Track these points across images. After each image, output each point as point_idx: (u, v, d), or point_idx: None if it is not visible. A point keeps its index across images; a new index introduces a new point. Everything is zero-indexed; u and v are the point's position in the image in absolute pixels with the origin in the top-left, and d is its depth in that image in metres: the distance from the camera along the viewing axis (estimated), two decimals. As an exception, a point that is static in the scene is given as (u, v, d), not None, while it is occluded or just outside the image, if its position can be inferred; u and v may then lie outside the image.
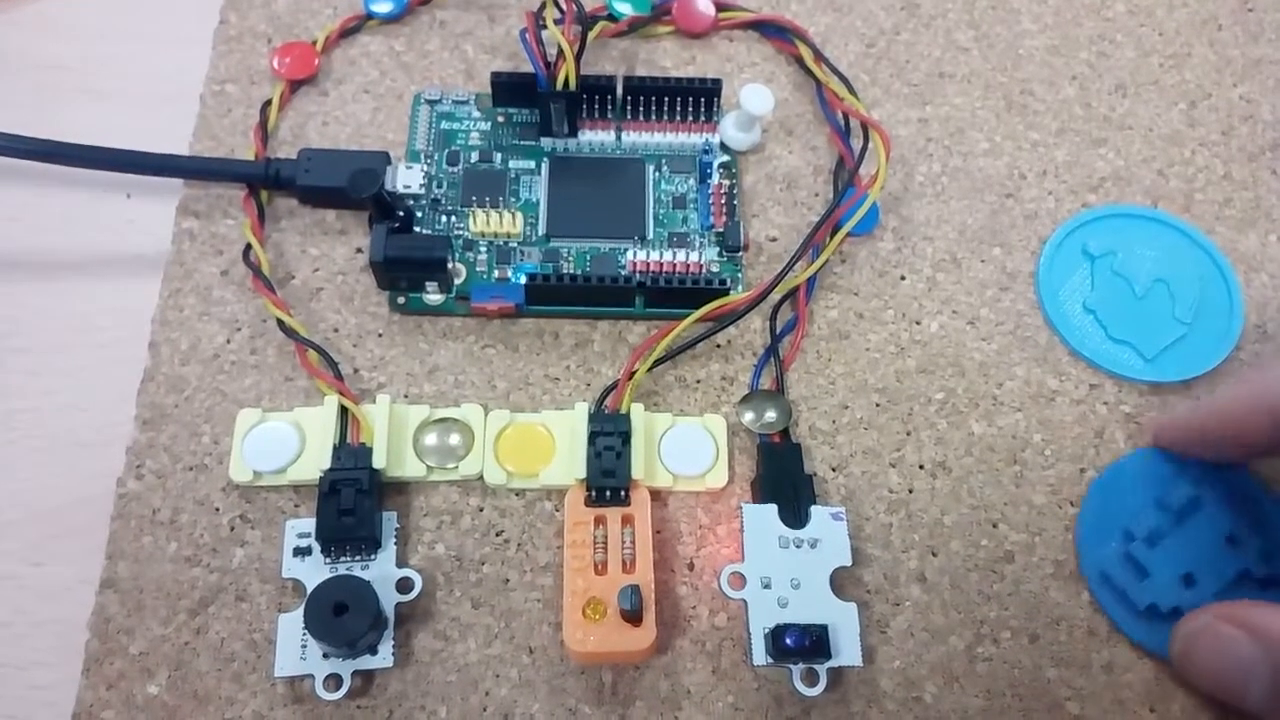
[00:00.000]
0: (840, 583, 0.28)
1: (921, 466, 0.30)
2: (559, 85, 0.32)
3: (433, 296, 0.31)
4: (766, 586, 0.27)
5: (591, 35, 0.32)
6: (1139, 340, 0.32)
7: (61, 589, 0.28)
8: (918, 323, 0.32)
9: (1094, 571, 0.28)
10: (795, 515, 0.28)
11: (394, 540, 0.28)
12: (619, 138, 0.34)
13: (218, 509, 0.29)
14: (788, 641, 0.26)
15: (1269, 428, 0.26)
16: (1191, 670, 0.26)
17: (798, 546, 0.28)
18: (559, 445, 0.29)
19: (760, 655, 0.26)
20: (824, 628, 0.26)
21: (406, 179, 0.33)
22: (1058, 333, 0.32)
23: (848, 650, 0.26)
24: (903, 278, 0.33)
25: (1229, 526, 0.28)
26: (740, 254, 0.32)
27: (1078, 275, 0.33)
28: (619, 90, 0.34)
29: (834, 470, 0.30)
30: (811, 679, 0.26)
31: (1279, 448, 0.26)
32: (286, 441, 0.29)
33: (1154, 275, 0.33)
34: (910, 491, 0.30)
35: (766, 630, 0.26)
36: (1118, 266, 0.33)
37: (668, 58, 0.37)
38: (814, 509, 0.28)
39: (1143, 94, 0.37)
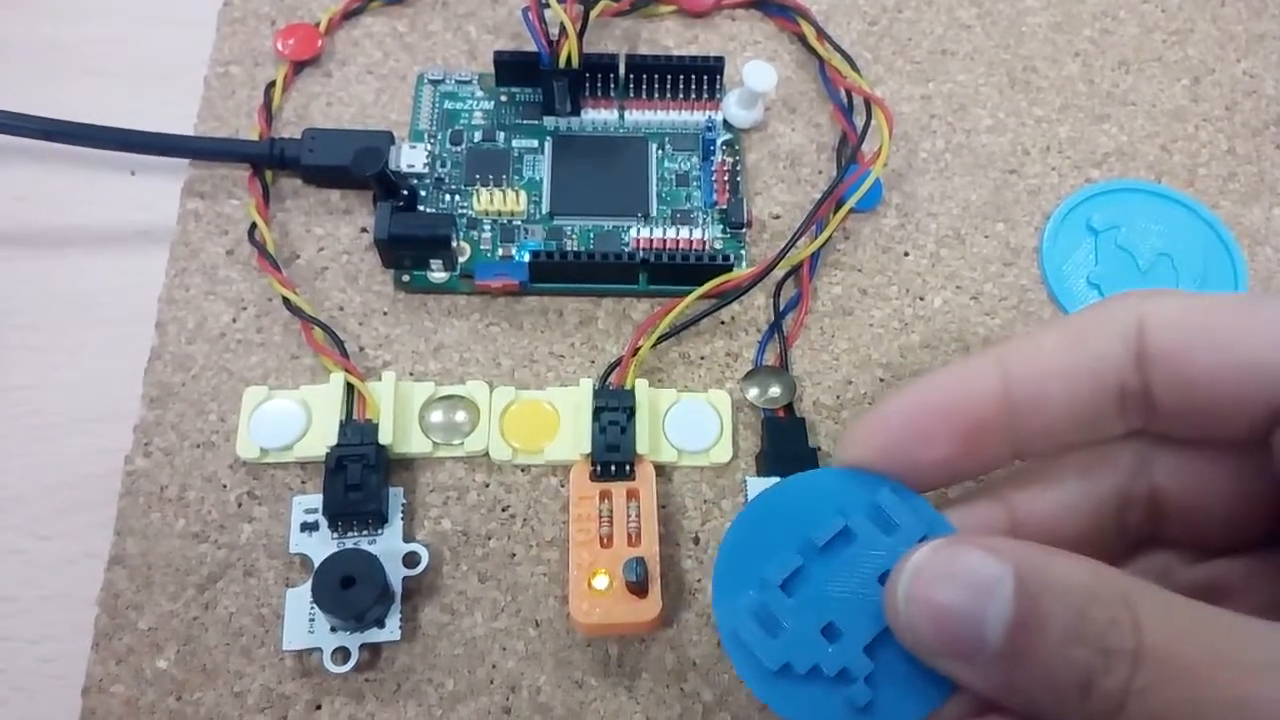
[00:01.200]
0: (845, 555, 0.28)
1: (926, 440, 0.30)
2: (562, 63, 0.32)
3: (437, 274, 0.31)
4: (771, 559, 0.27)
5: (594, 14, 0.32)
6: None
7: (67, 563, 0.28)
8: (921, 298, 0.32)
9: (726, 629, 0.21)
10: (800, 488, 0.28)
11: (400, 516, 0.28)
12: (622, 116, 0.34)
13: (225, 486, 0.29)
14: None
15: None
16: (915, 616, 0.18)
17: (802, 519, 0.28)
18: (564, 421, 0.29)
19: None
20: (828, 599, 0.26)
21: (410, 158, 0.33)
22: (1062, 307, 0.32)
23: (852, 621, 0.26)
24: (906, 254, 0.33)
25: (883, 563, 0.21)
26: (744, 231, 0.33)
27: (1081, 250, 0.33)
28: (622, 68, 0.34)
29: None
30: (817, 650, 0.26)
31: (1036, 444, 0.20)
32: (293, 419, 0.29)
33: (1158, 249, 0.33)
34: (914, 465, 0.30)
35: (771, 601, 0.26)
36: (1121, 241, 0.33)
37: (670, 37, 0.37)
38: (818, 482, 0.28)
39: (1146, 70, 0.37)
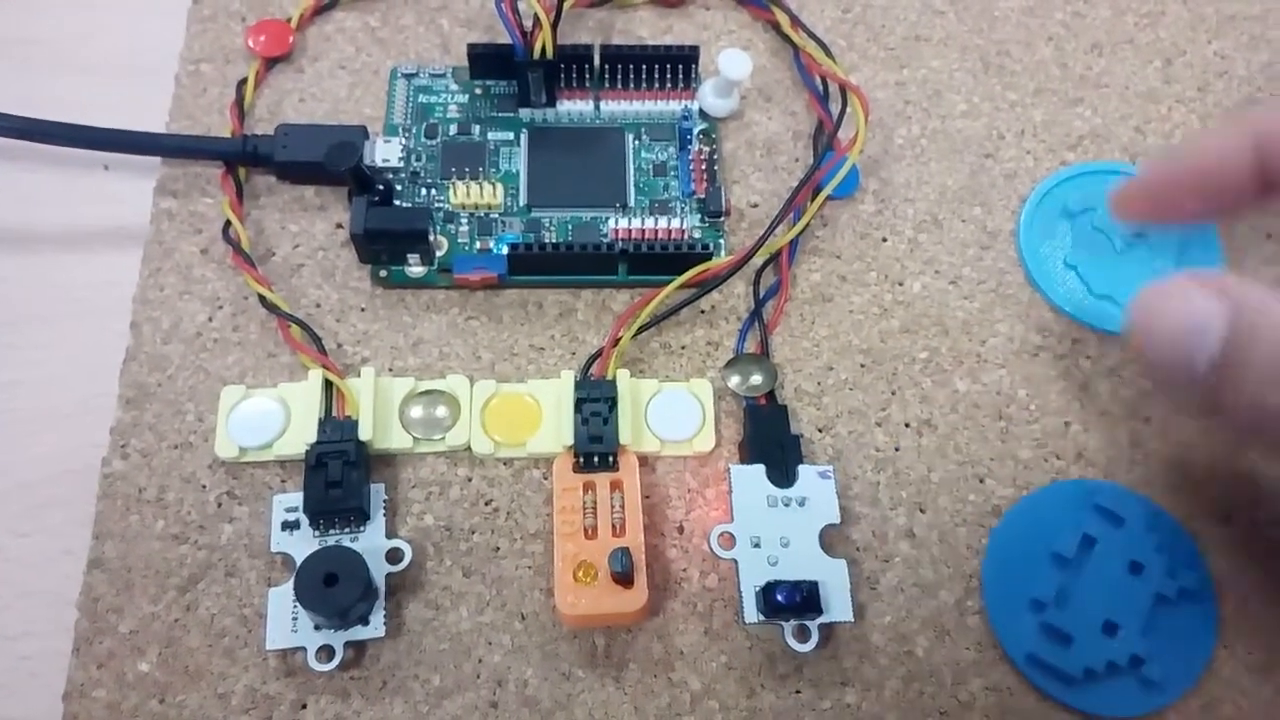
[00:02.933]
0: (829, 541, 0.28)
1: (907, 425, 0.30)
2: (536, 54, 0.32)
3: (415, 269, 0.31)
4: (756, 545, 0.27)
5: (567, 5, 0.32)
6: (1121, 295, 0.32)
7: (45, 560, 0.28)
8: (900, 284, 0.32)
9: (1019, 654, 0.27)
10: (783, 475, 0.28)
11: (383, 512, 0.28)
12: (597, 107, 0.34)
13: (204, 486, 0.28)
14: (779, 598, 0.26)
15: (1251, 165, 0.24)
16: (1146, 332, 0.23)
17: (786, 505, 0.28)
18: (546, 414, 0.29)
19: (752, 613, 0.26)
20: (815, 584, 0.26)
21: (385, 153, 0.32)
22: (1039, 289, 0.32)
23: (838, 606, 0.26)
24: (884, 239, 0.33)
25: (1127, 554, 0.27)
26: (722, 219, 0.32)
27: (1058, 232, 0.33)
28: (596, 59, 0.34)
29: (820, 431, 0.30)
30: (803, 635, 0.26)
31: (1260, 194, 0.24)
32: (271, 417, 0.29)
33: (1133, 229, 0.33)
34: (897, 450, 0.30)
35: (757, 588, 0.26)
36: (1097, 222, 0.33)
37: (644, 27, 0.37)
38: (802, 468, 0.28)
39: (1118, 53, 0.37)
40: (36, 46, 0.35)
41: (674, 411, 0.30)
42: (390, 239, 0.30)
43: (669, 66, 0.34)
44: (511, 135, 0.34)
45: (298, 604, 0.26)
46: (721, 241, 0.32)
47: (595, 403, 0.29)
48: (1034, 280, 0.32)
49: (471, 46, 0.34)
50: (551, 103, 0.34)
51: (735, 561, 0.27)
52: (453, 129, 0.34)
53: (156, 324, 0.31)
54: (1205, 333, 0.21)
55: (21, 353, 0.30)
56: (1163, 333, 0.22)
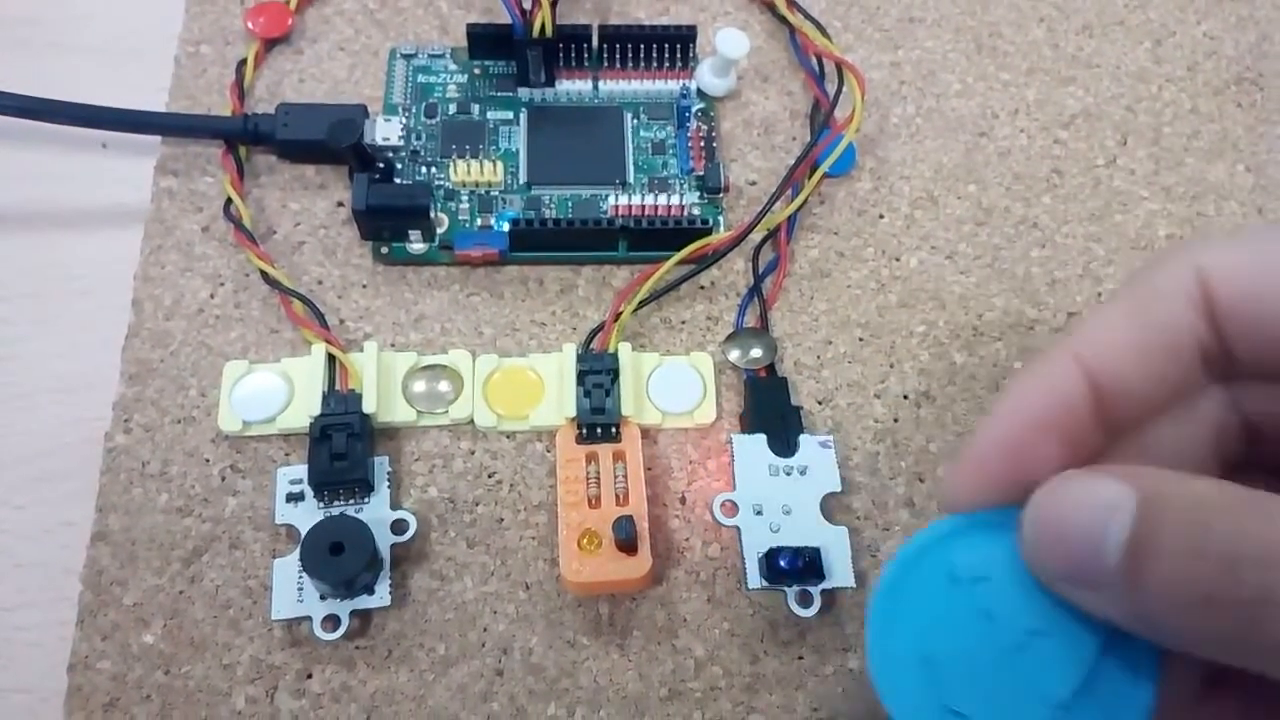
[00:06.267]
0: (830, 509, 0.28)
1: (906, 397, 0.30)
2: (536, 32, 0.32)
3: (416, 246, 0.31)
4: (758, 513, 0.27)
5: (565, -16, 0.32)
6: (1114, 269, 0.32)
7: (43, 532, 0.28)
8: (897, 259, 0.33)
9: None
10: (784, 444, 0.28)
11: (387, 484, 0.28)
12: (596, 87, 0.34)
13: (208, 460, 0.29)
14: (781, 563, 0.26)
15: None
16: (1040, 539, 0.18)
17: (787, 474, 0.28)
18: (548, 387, 0.30)
19: (755, 579, 0.26)
20: (816, 550, 0.26)
21: (385, 131, 0.33)
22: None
23: (840, 572, 0.27)
24: (881, 216, 0.33)
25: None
26: (721, 196, 0.33)
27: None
28: (595, 39, 0.34)
29: (820, 403, 0.30)
30: (806, 600, 0.27)
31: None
32: (275, 391, 0.29)
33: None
34: (895, 421, 0.30)
35: (760, 554, 0.27)
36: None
37: (641, 7, 0.37)
38: (802, 438, 0.28)
39: (1109, 34, 0.38)
40: (37, 27, 0.35)
41: (675, 384, 0.30)
42: (392, 215, 0.30)
43: (667, 46, 0.34)
44: (511, 115, 0.34)
45: (303, 573, 0.26)
46: (720, 218, 0.33)
47: (597, 375, 0.29)
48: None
49: (471, 26, 0.34)
50: (550, 82, 0.34)
51: (738, 529, 0.27)
52: (452, 108, 0.34)
53: (158, 301, 0.31)
54: (1117, 512, 0.17)
55: (17, 328, 0.30)
56: (1071, 523, 0.18)
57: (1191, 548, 0.16)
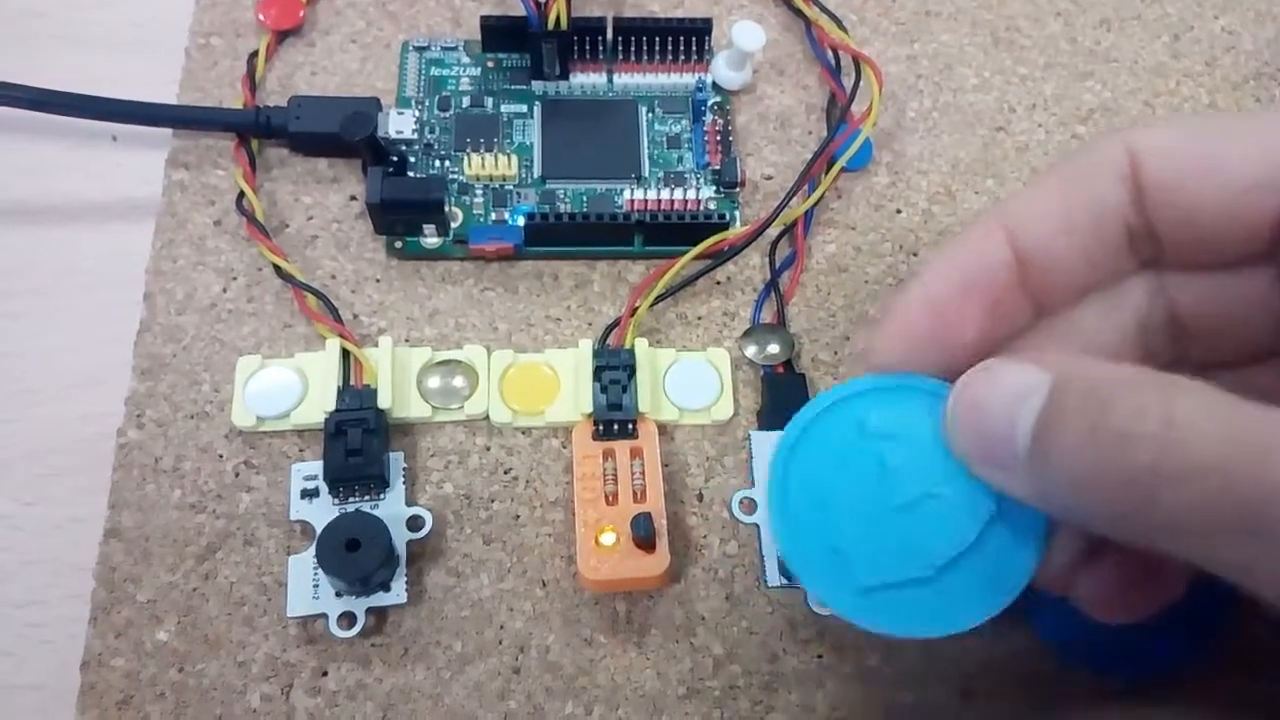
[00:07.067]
0: (850, 506, 0.28)
1: (924, 393, 0.30)
2: (550, 25, 0.32)
3: (430, 240, 0.31)
4: (778, 510, 0.27)
5: (580, -23, 0.32)
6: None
7: (54, 528, 0.27)
8: (915, 254, 0.32)
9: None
10: (803, 441, 0.28)
11: (402, 480, 0.28)
12: (611, 80, 0.34)
13: (221, 456, 0.28)
14: (802, 561, 0.26)
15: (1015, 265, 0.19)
16: (959, 422, 0.19)
17: (807, 471, 0.28)
18: (563, 383, 0.29)
19: (774, 576, 0.26)
20: (837, 548, 0.26)
21: (398, 124, 0.32)
22: (1053, 260, 0.32)
23: (861, 570, 0.26)
24: (899, 211, 0.33)
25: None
26: (737, 190, 0.32)
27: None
28: (609, 31, 0.34)
29: (838, 400, 0.30)
30: (826, 599, 0.26)
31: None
32: (289, 387, 0.29)
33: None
34: (914, 418, 0.30)
35: (779, 552, 0.26)
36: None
37: (656, 1, 0.37)
38: (821, 435, 0.28)
39: (1126, 28, 0.37)
40: (45, 19, 0.35)
41: (692, 380, 0.30)
42: (406, 208, 0.30)
43: (682, 39, 0.34)
44: (525, 108, 0.33)
45: (319, 570, 0.26)
46: (736, 213, 0.32)
47: (614, 370, 0.28)
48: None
49: (484, 18, 0.33)
50: (565, 75, 0.34)
51: (756, 526, 0.27)
52: (465, 101, 0.33)
53: (170, 295, 0.30)
54: (1031, 398, 0.17)
55: (27, 323, 0.30)
56: (988, 408, 0.18)
57: (1090, 424, 0.16)
